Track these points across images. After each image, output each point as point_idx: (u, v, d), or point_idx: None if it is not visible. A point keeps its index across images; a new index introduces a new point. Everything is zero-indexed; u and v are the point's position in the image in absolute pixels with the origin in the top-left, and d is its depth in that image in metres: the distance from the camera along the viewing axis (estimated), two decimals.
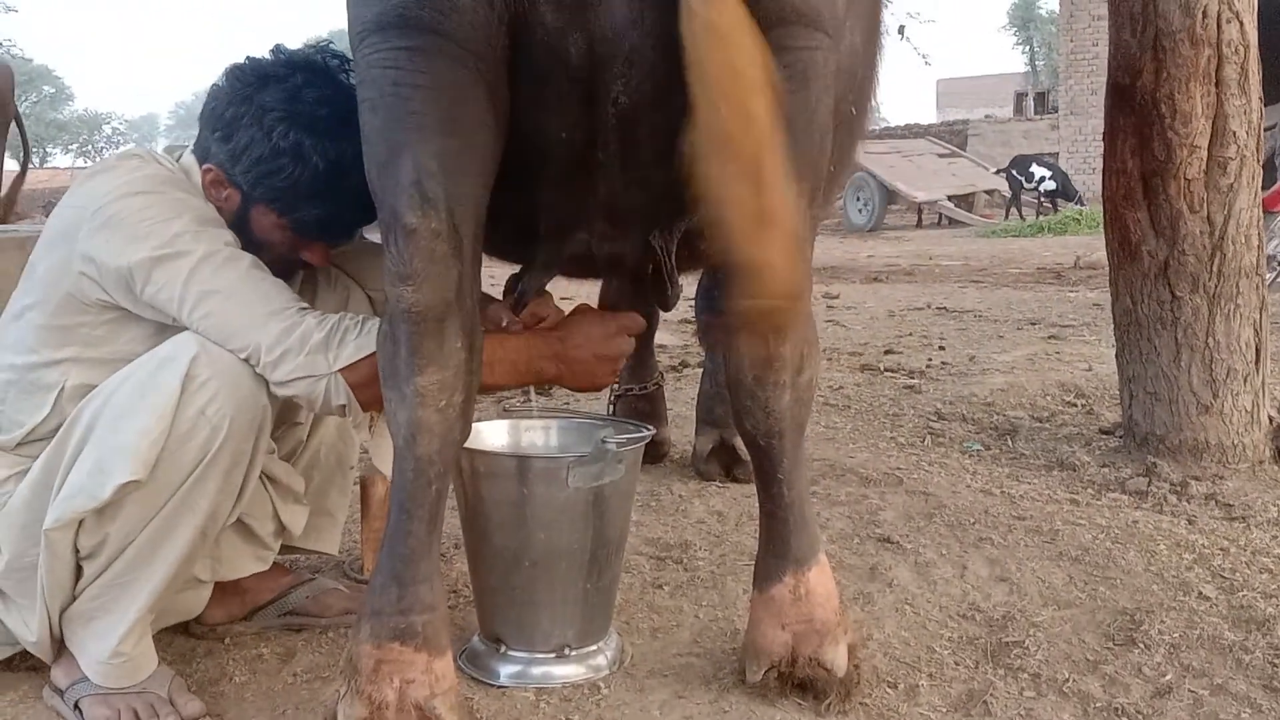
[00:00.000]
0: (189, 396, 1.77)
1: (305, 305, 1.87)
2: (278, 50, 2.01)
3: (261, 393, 1.84)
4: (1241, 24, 3.14)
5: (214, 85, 1.99)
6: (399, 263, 1.63)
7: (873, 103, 2.60)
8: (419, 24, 1.63)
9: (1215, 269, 3.17)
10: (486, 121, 1.70)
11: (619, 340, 2.02)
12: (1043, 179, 17.82)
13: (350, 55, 2.01)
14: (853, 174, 14.91)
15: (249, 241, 1.96)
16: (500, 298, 2.08)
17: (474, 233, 1.70)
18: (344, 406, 1.85)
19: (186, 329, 1.84)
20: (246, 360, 1.82)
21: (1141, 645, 2.10)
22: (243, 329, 1.81)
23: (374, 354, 1.78)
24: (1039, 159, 18.55)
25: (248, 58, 2.00)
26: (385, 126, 1.67)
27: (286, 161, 1.91)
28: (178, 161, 2.01)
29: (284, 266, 2.02)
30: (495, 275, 2.09)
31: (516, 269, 2.15)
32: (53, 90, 58.32)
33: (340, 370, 1.81)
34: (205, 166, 1.97)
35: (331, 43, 2.08)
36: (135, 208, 1.85)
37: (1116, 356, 3.42)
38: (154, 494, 1.79)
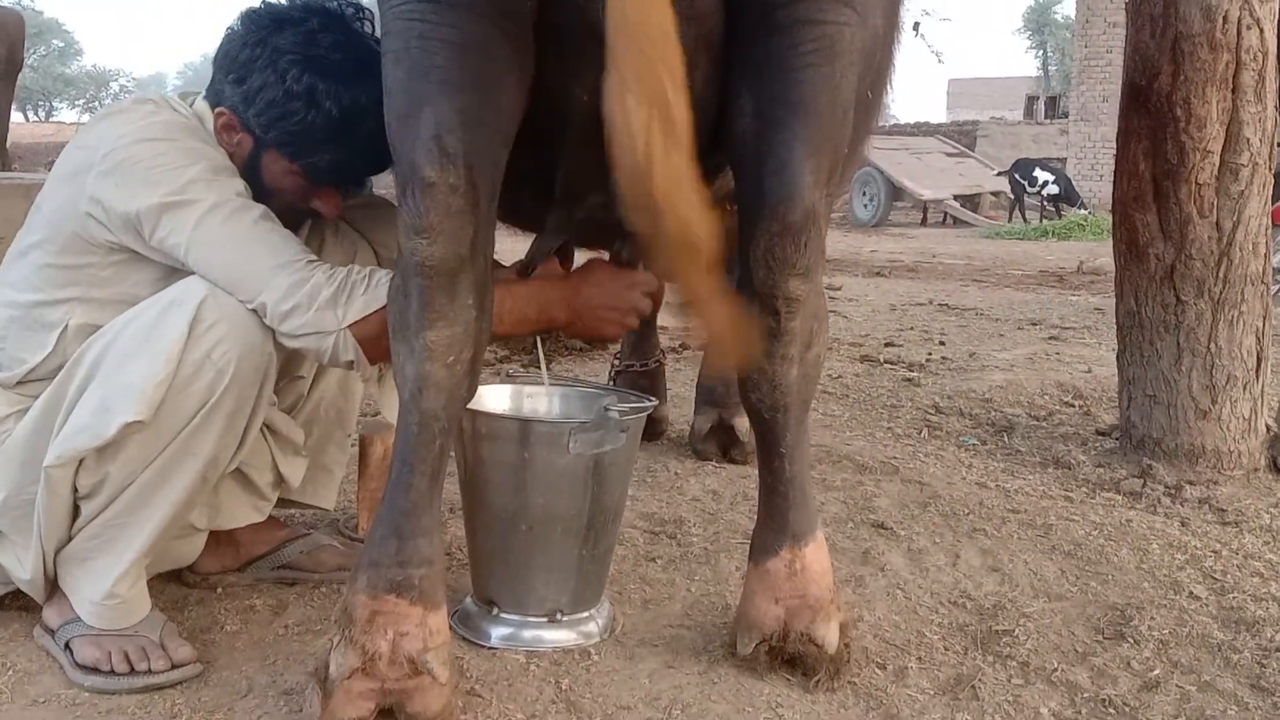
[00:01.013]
0: (195, 340, 1.77)
1: (314, 258, 1.87)
2: None
3: (268, 340, 1.84)
4: (1261, 31, 3.13)
5: (229, 29, 1.98)
6: (415, 216, 1.63)
7: (888, 90, 2.59)
8: None
9: (1221, 275, 3.17)
10: (510, 80, 1.70)
11: (632, 293, 2.02)
12: (1045, 183, 17.79)
13: (362, 4, 2.01)
14: (861, 168, 14.91)
15: (260, 188, 1.96)
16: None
17: (491, 190, 1.70)
18: (351, 361, 1.85)
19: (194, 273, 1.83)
20: (254, 312, 1.82)
21: (1131, 640, 2.11)
22: (250, 281, 1.81)
23: (382, 309, 1.78)
24: (1042, 163, 18.51)
25: (264, 1, 1.99)
26: (408, 79, 1.66)
27: (299, 105, 1.91)
28: (191, 108, 2.00)
29: (294, 217, 2.01)
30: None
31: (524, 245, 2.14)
32: (61, 44, 58.05)
33: (348, 326, 1.81)
34: (218, 110, 1.97)
35: None
36: (147, 153, 1.84)
37: (1117, 358, 3.42)
38: (156, 435, 1.79)
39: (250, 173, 1.96)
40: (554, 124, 1.84)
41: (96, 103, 61.26)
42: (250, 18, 1.96)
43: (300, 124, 1.92)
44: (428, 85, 1.64)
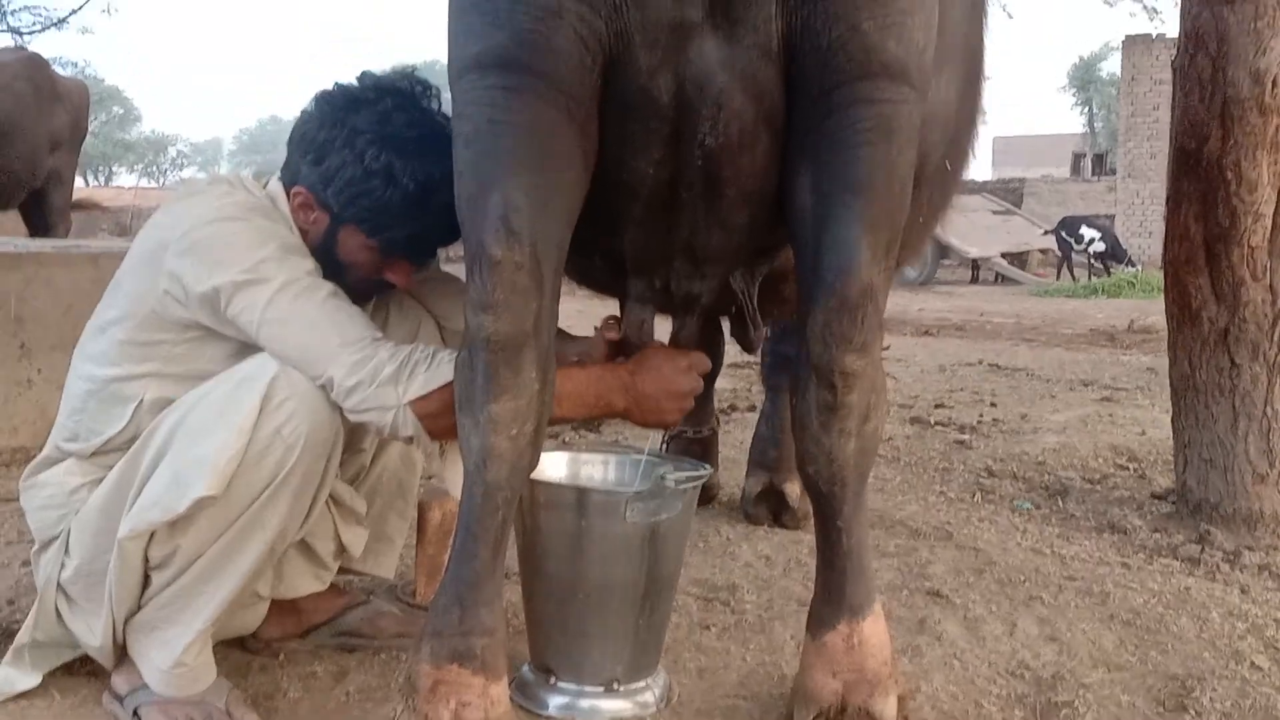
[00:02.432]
0: (266, 415, 1.82)
1: (379, 335, 1.92)
2: (365, 76, 2.07)
3: (335, 415, 1.89)
4: None
5: (303, 111, 2.05)
6: (482, 292, 1.69)
7: (968, 154, 2.63)
8: (516, 64, 1.70)
9: (1276, 338, 3.15)
10: (575, 160, 1.76)
11: (689, 377, 2.04)
12: (1092, 240, 17.73)
13: (429, 81, 2.08)
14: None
15: (334, 264, 2.02)
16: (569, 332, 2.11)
17: (555, 268, 1.76)
18: (412, 436, 1.89)
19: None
20: (322, 388, 1.87)
21: (1193, 712, 2.09)
22: (317, 358, 1.86)
23: (443, 387, 1.83)
24: (1089, 220, 18.46)
25: (336, 84, 2.06)
26: (477, 161, 1.73)
27: (377, 183, 1.96)
28: (264, 188, 2.07)
29: (363, 290, 2.07)
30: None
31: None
32: (121, 111, 59.41)
33: (409, 403, 1.86)
34: (295, 189, 2.03)
35: (417, 69, 2.15)
36: (223, 233, 1.91)
37: (1172, 421, 3.40)
38: (227, 509, 1.84)
39: (326, 249, 2.02)
40: (623, 197, 1.90)
41: (155, 167, 62.59)
42: (325, 100, 2.03)
43: (378, 200, 1.97)
44: (496, 167, 1.71)
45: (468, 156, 1.75)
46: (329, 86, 2.06)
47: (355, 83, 2.06)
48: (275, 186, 2.06)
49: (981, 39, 2.49)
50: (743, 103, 1.77)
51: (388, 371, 1.86)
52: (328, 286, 1.94)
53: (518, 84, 1.71)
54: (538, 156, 1.72)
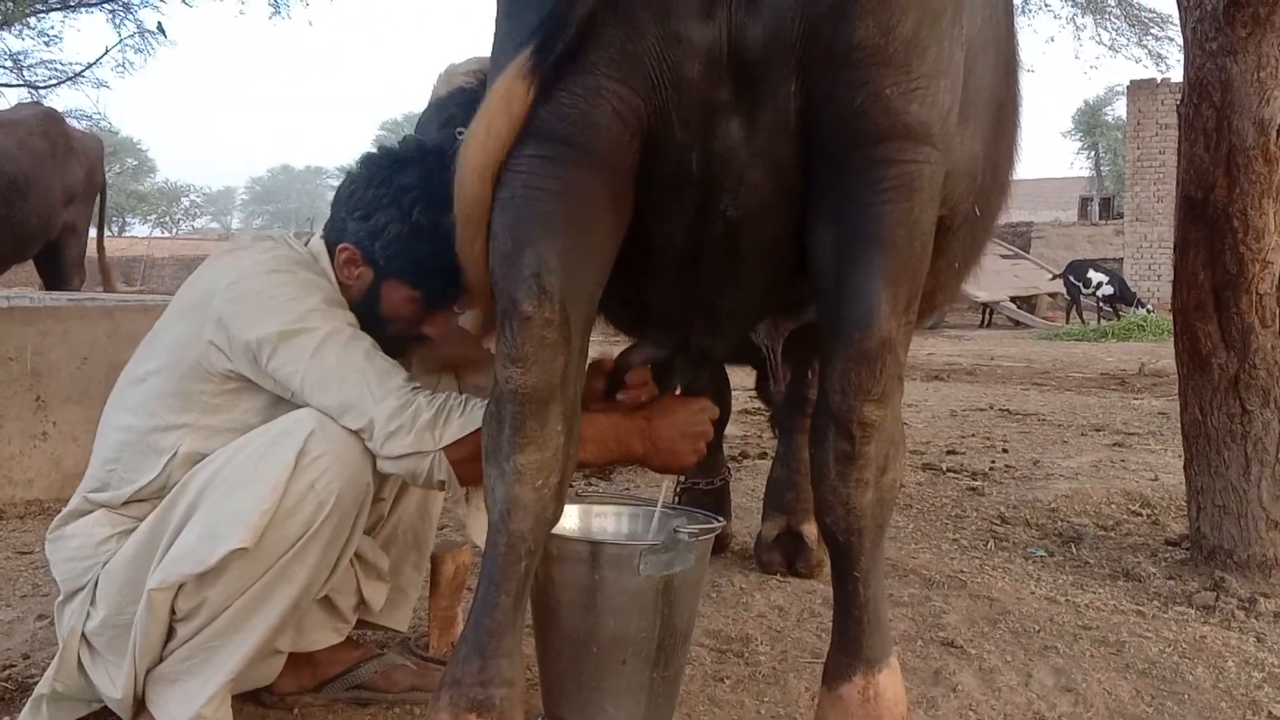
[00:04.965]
0: (301, 471, 1.86)
1: (417, 385, 1.98)
2: (406, 140, 2.15)
3: (367, 471, 1.93)
4: None
5: (348, 172, 2.13)
6: (511, 347, 1.73)
7: (1000, 202, 2.66)
8: (555, 136, 1.75)
9: None
10: (607, 225, 1.82)
11: (701, 420, 2.09)
12: (1100, 284, 17.78)
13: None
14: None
15: (375, 317, 2.08)
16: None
17: (583, 325, 1.80)
18: (444, 482, 1.93)
19: (302, 403, 1.93)
20: (360, 433, 1.91)
21: None
22: (361, 403, 1.91)
23: (476, 431, 1.87)
24: (1096, 264, 18.53)
25: (379, 146, 2.14)
26: (513, 223, 1.78)
27: (424, 237, 2.03)
28: (306, 245, 2.13)
29: (397, 345, 2.13)
30: None
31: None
32: (135, 162, 59.77)
33: (444, 447, 1.90)
34: (341, 246, 2.09)
35: (462, 131, 2.20)
36: (270, 284, 1.97)
37: (1185, 468, 3.40)
38: (256, 563, 1.87)
39: (368, 303, 2.09)
40: (652, 258, 1.96)
41: (168, 218, 62.93)
42: (371, 161, 2.11)
43: (424, 254, 2.04)
44: (530, 229, 1.76)
45: (504, 219, 1.79)
46: (371, 149, 2.15)
47: (397, 145, 2.13)
48: (316, 244, 2.14)
49: (1012, 92, 2.53)
50: (761, 178, 1.83)
51: (425, 417, 1.91)
52: (368, 339, 2.00)
53: (555, 154, 1.76)
54: (572, 221, 1.77)
